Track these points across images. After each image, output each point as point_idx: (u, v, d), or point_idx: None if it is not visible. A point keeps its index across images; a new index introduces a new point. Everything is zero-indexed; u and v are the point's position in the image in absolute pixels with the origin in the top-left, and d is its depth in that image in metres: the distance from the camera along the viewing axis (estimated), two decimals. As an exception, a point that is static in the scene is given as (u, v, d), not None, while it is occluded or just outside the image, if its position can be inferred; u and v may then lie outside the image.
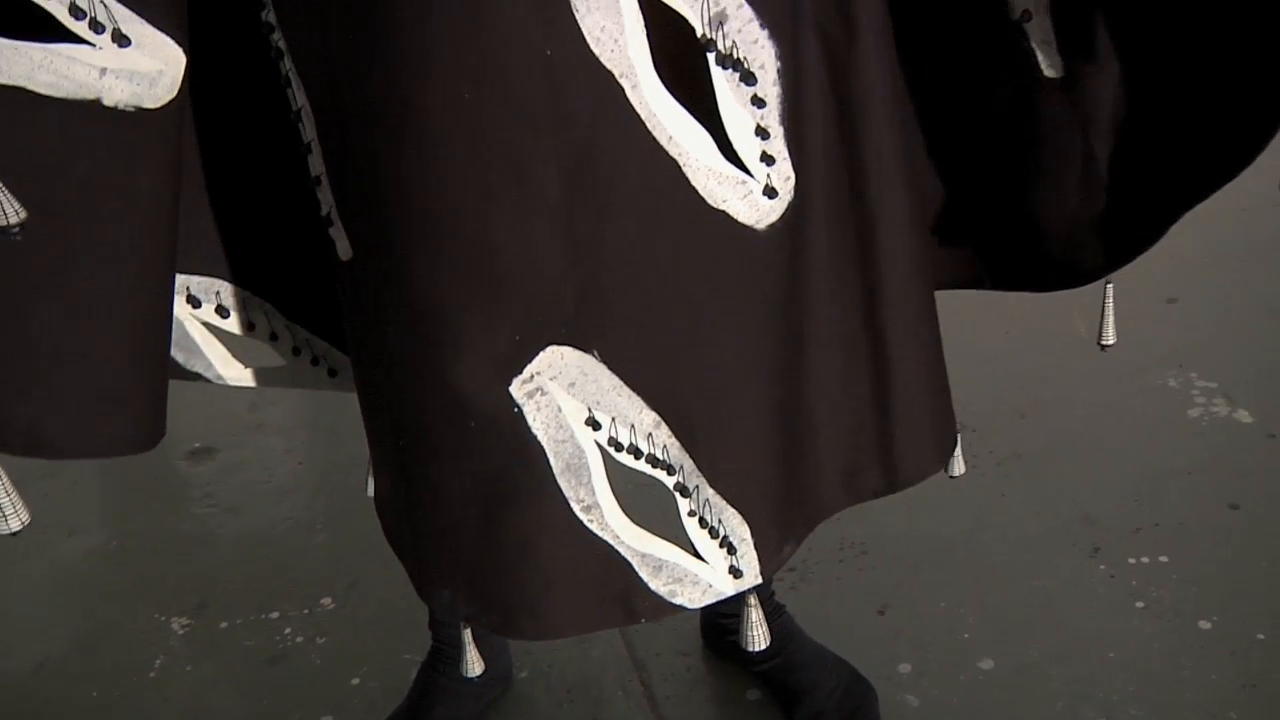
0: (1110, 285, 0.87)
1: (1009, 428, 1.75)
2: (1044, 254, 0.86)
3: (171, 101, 0.72)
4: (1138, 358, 1.86)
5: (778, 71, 0.71)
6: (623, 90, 0.68)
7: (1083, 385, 1.83)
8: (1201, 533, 1.51)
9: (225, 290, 0.87)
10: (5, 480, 0.73)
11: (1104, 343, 0.91)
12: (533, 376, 0.73)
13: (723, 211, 0.72)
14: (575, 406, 0.74)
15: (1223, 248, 2.15)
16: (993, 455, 1.69)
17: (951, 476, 0.91)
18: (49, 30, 0.67)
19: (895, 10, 0.77)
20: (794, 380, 0.80)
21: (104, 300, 0.73)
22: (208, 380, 0.90)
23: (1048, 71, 0.79)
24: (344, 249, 0.77)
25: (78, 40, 0.68)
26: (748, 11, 0.69)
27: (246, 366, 0.91)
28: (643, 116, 0.69)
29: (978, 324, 1.91)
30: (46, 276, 0.71)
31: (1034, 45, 0.78)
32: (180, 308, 0.86)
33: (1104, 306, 0.89)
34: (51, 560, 1.65)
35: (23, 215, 0.68)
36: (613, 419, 0.75)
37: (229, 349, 0.90)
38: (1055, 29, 0.77)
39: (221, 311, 0.87)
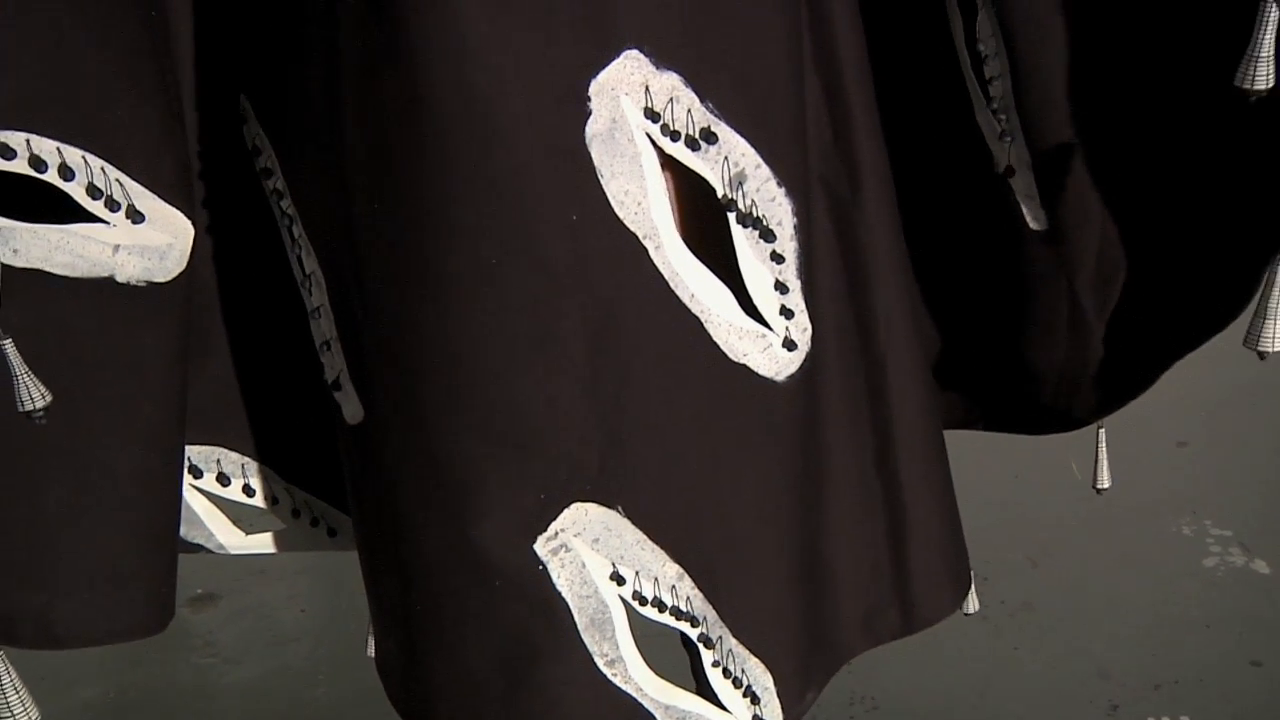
0: (1103, 430, 0.89)
1: (1020, 576, 1.73)
2: (1036, 398, 0.88)
3: (181, 274, 0.73)
4: (1149, 503, 1.85)
5: (794, 227, 0.72)
6: (646, 251, 0.68)
7: (1094, 532, 1.82)
8: (1223, 690, 1.48)
9: (226, 458, 0.87)
10: (13, 677, 0.73)
11: (1099, 486, 0.92)
12: (557, 534, 0.72)
13: (743, 365, 0.73)
14: (599, 562, 0.73)
15: (1233, 388, 2.15)
16: (1004, 605, 1.67)
17: (966, 614, 0.91)
18: (65, 210, 0.69)
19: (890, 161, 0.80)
20: (812, 526, 0.80)
21: (114, 481, 0.73)
22: (209, 550, 0.89)
23: (1033, 224, 0.81)
24: (352, 412, 0.77)
25: (93, 219, 0.69)
26: (765, 171, 0.70)
27: (248, 533, 0.91)
28: (666, 276, 0.69)
29: (986, 468, 1.90)
30: (57, 458, 0.71)
31: (1019, 199, 0.80)
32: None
33: (1098, 450, 0.91)
34: (48, 714, 1.62)
35: (48, 399, 0.69)
36: (636, 573, 0.74)
37: (229, 517, 0.89)
38: (1038, 184, 0.79)
39: (223, 479, 0.87)
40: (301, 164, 0.75)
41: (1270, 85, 0.64)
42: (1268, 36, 0.63)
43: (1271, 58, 0.64)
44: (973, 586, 0.91)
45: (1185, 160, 0.77)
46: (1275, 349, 0.73)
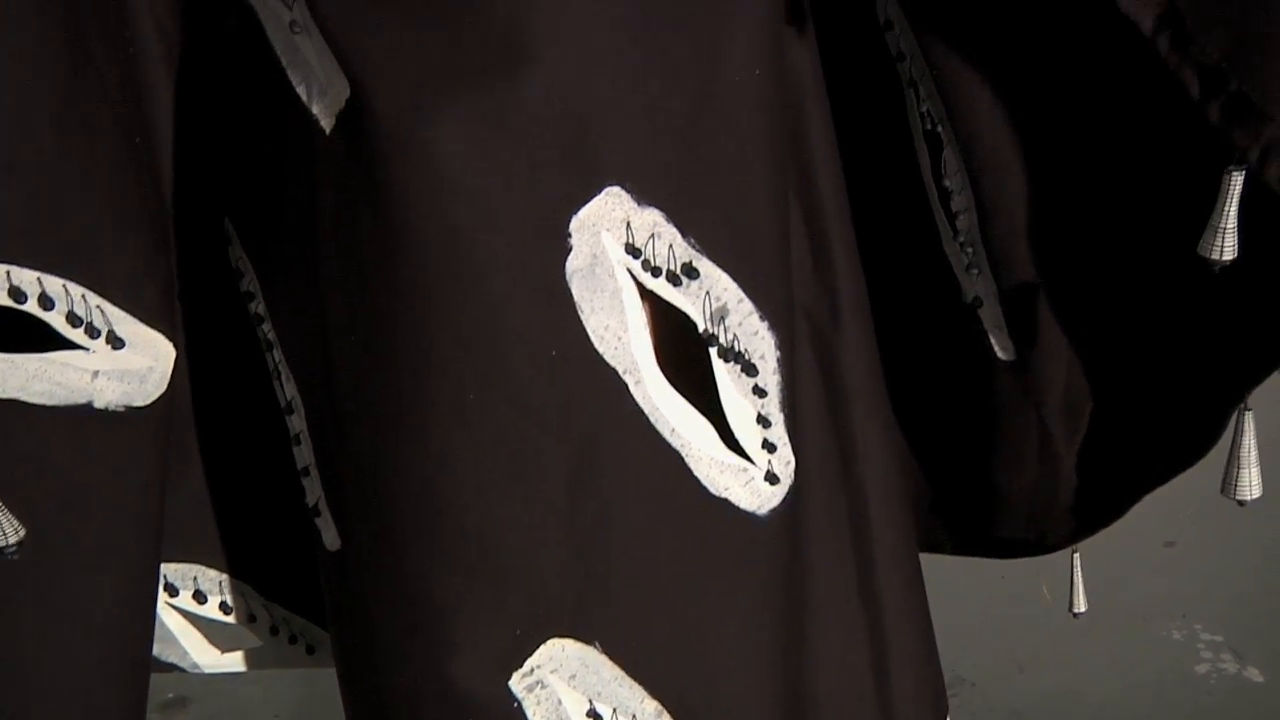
0: (1077, 554, 0.89)
1: (1008, 683, 1.72)
2: (1006, 525, 0.89)
3: (161, 396, 0.72)
4: (1138, 606, 1.83)
5: (778, 360, 0.72)
6: (626, 386, 0.68)
7: (1082, 637, 1.80)
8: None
9: (203, 575, 0.86)
10: None
11: (1075, 611, 0.92)
12: (533, 670, 0.71)
13: (725, 499, 0.72)
14: (576, 699, 0.72)
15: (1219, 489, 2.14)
16: (993, 713, 1.65)
17: None
18: (43, 337, 0.68)
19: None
20: (796, 659, 0.79)
21: (87, 612, 0.72)
22: (183, 670, 0.88)
23: (1001, 354, 0.82)
24: (331, 539, 0.76)
25: (72, 346, 0.68)
26: (748, 305, 0.70)
27: (224, 651, 0.89)
28: (646, 411, 0.69)
29: (973, 570, 1.89)
30: (27, 592, 0.70)
31: (987, 329, 0.81)
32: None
33: (1073, 575, 0.90)
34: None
35: (22, 533, 0.67)
36: (614, 710, 0.73)
37: (205, 635, 0.88)
38: (1004, 316, 0.80)
39: (199, 597, 0.86)
40: (281, 291, 0.75)
41: (1235, 256, 0.65)
42: (1232, 208, 0.64)
43: (1235, 229, 0.64)
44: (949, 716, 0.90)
45: (1150, 302, 0.78)
46: (1252, 496, 0.73)
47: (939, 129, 0.77)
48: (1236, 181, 0.64)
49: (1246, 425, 0.73)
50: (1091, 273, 0.78)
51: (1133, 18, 0.62)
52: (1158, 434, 0.81)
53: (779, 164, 0.71)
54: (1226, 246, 0.64)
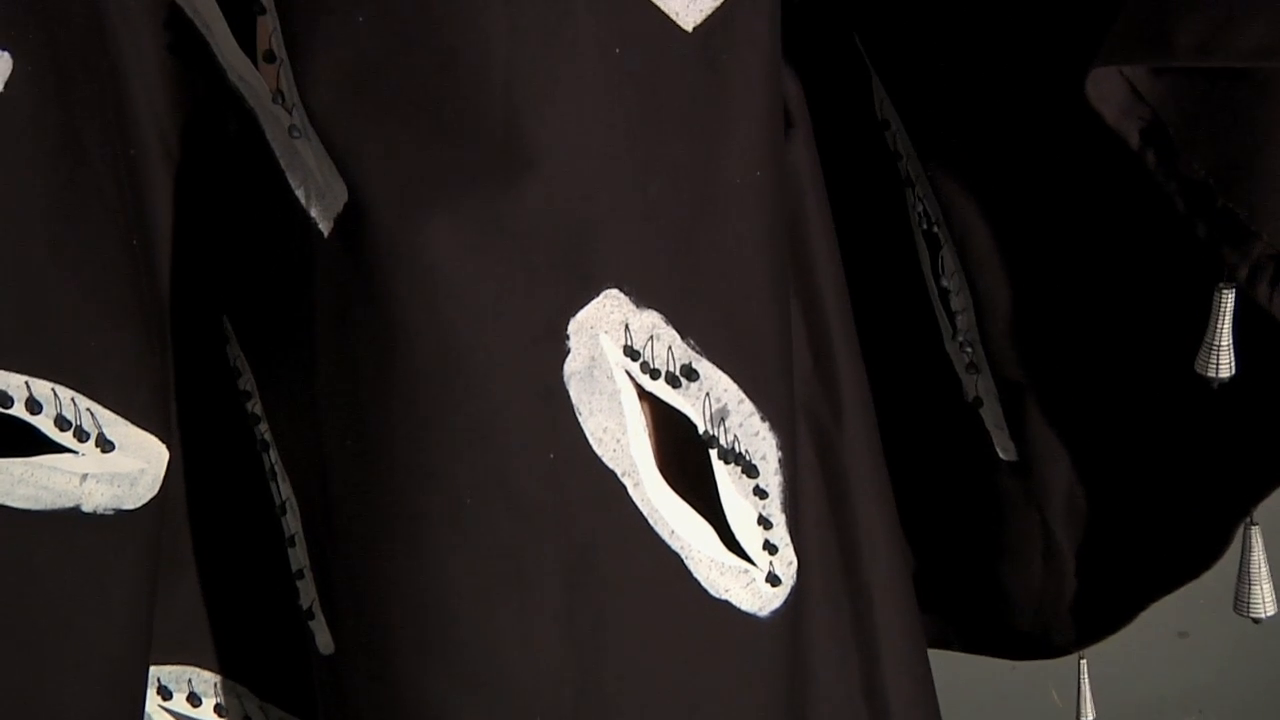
0: (1084, 660, 0.87)
1: (1023, 778, 1.68)
2: (1013, 624, 0.87)
3: (153, 499, 0.71)
4: (1151, 699, 1.80)
5: (779, 461, 0.71)
6: (625, 489, 0.67)
7: (1097, 730, 1.77)
8: None
9: (198, 677, 0.84)
10: None
11: (1084, 719, 0.90)
12: None
13: (726, 601, 0.71)
14: None
15: (1235, 574, 2.11)
16: (1006, 810, 1.62)
17: None
18: (29, 440, 0.67)
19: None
20: None
21: (72, 716, 0.70)
22: None
23: (1002, 454, 0.82)
24: (325, 643, 0.74)
25: (60, 449, 0.67)
26: (749, 406, 0.69)
27: None
28: (645, 514, 0.68)
29: (980, 672, 1.86)
30: (10, 697, 0.68)
31: (988, 428, 0.81)
32: (150, 701, 0.83)
33: (1079, 682, 0.89)
34: None
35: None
36: None
37: None
38: (1005, 415, 0.80)
39: (194, 700, 0.84)
40: (278, 390, 0.74)
41: (1233, 373, 0.64)
42: (1225, 325, 0.63)
43: (1231, 346, 0.63)
44: None
45: (1150, 410, 0.77)
46: (1267, 614, 0.72)
47: (936, 229, 0.77)
48: (1228, 299, 0.63)
49: (1254, 541, 0.72)
50: (1091, 378, 0.78)
51: (1119, 132, 0.62)
52: (1159, 544, 0.80)
53: (780, 264, 0.71)
54: (1223, 364, 0.64)
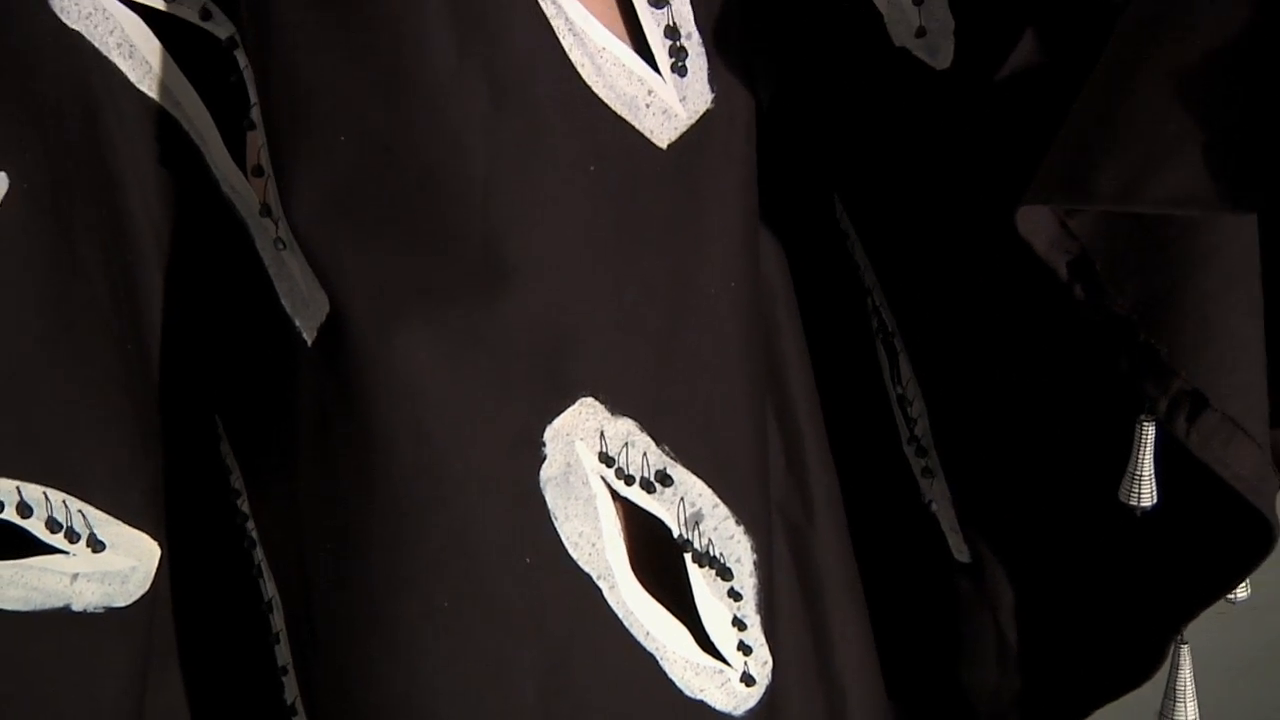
0: None
1: None
2: None
3: (143, 596, 0.73)
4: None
5: (754, 563, 0.72)
6: (601, 592, 0.68)
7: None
8: None
9: None
10: None
11: None
12: None
13: (701, 701, 0.72)
14: None
15: (1208, 658, 2.09)
16: None
17: None
18: (20, 543, 0.68)
19: None
20: None
21: None
22: None
23: (958, 556, 0.83)
24: None
25: (51, 550, 0.69)
26: (723, 510, 0.70)
27: None
28: (620, 615, 0.69)
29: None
30: None
31: (944, 531, 0.83)
32: None
33: None
34: None
35: None
36: None
37: None
38: (959, 519, 0.82)
39: None
40: (264, 491, 0.76)
41: (1154, 503, 0.66)
42: (1146, 456, 0.65)
43: (1153, 476, 0.65)
44: None
45: (1086, 524, 0.78)
46: None
47: (893, 338, 0.79)
48: (1148, 431, 0.65)
49: (1183, 660, 0.73)
50: (1033, 488, 0.79)
51: (1049, 263, 0.64)
52: (1097, 654, 0.81)
53: (756, 372, 0.73)
54: (1144, 493, 0.66)
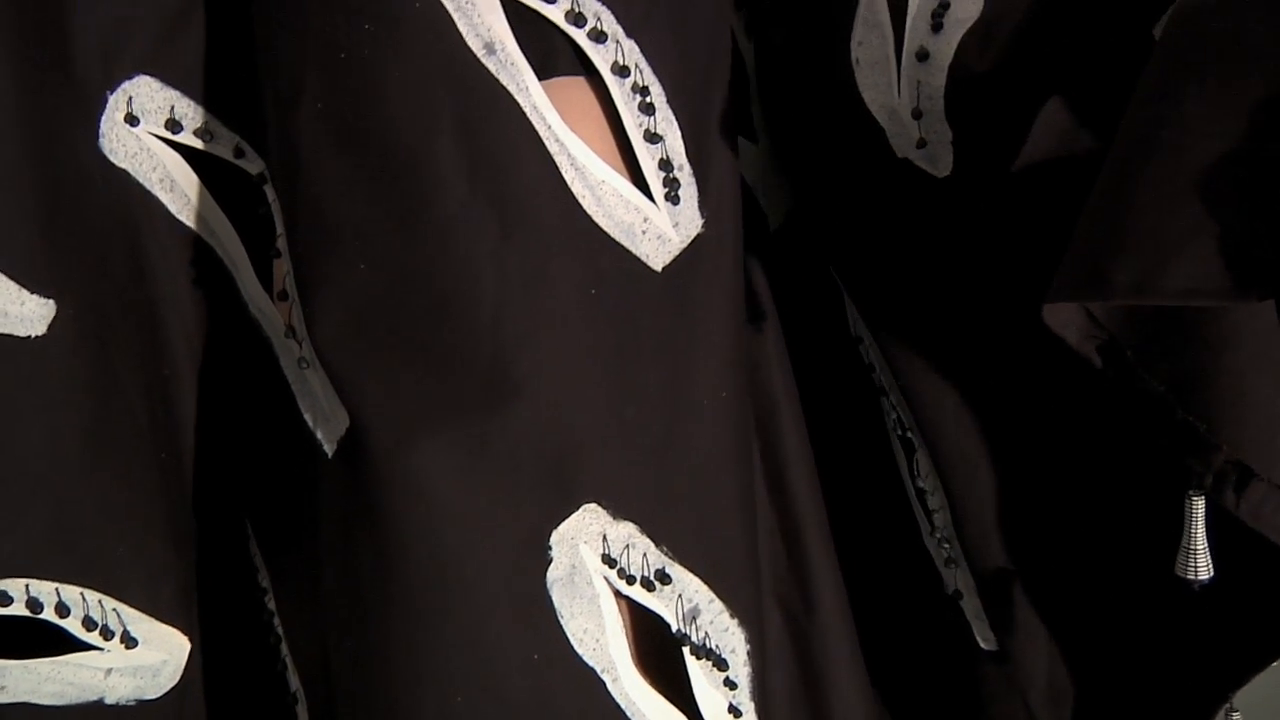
0: None
1: None
2: None
3: (174, 688, 0.77)
4: None
5: (747, 654, 0.76)
6: (604, 684, 0.72)
7: None
8: None
9: None
10: None
11: None
12: None
13: None
14: None
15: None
16: None
17: None
18: (56, 640, 0.73)
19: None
20: None
21: None
22: None
23: (983, 644, 0.85)
24: None
25: (86, 647, 0.74)
26: (718, 605, 0.75)
27: None
28: (623, 706, 0.73)
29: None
30: None
31: (969, 619, 0.85)
32: None
33: None
34: None
35: None
36: None
37: None
38: (984, 607, 0.84)
39: None
40: (288, 590, 0.80)
41: (1211, 575, 0.67)
42: (1199, 530, 0.67)
43: (1208, 549, 0.67)
44: None
45: (1129, 599, 0.81)
46: None
47: (910, 434, 0.83)
48: (1198, 505, 0.67)
49: None
50: (1068, 570, 0.81)
51: (1082, 354, 0.67)
52: None
53: (746, 474, 0.77)
54: (1200, 567, 0.67)
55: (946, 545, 0.84)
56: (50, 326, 0.70)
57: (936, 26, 0.73)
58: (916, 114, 0.75)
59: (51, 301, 0.70)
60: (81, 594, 0.73)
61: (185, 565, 0.80)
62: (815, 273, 0.87)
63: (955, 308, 0.79)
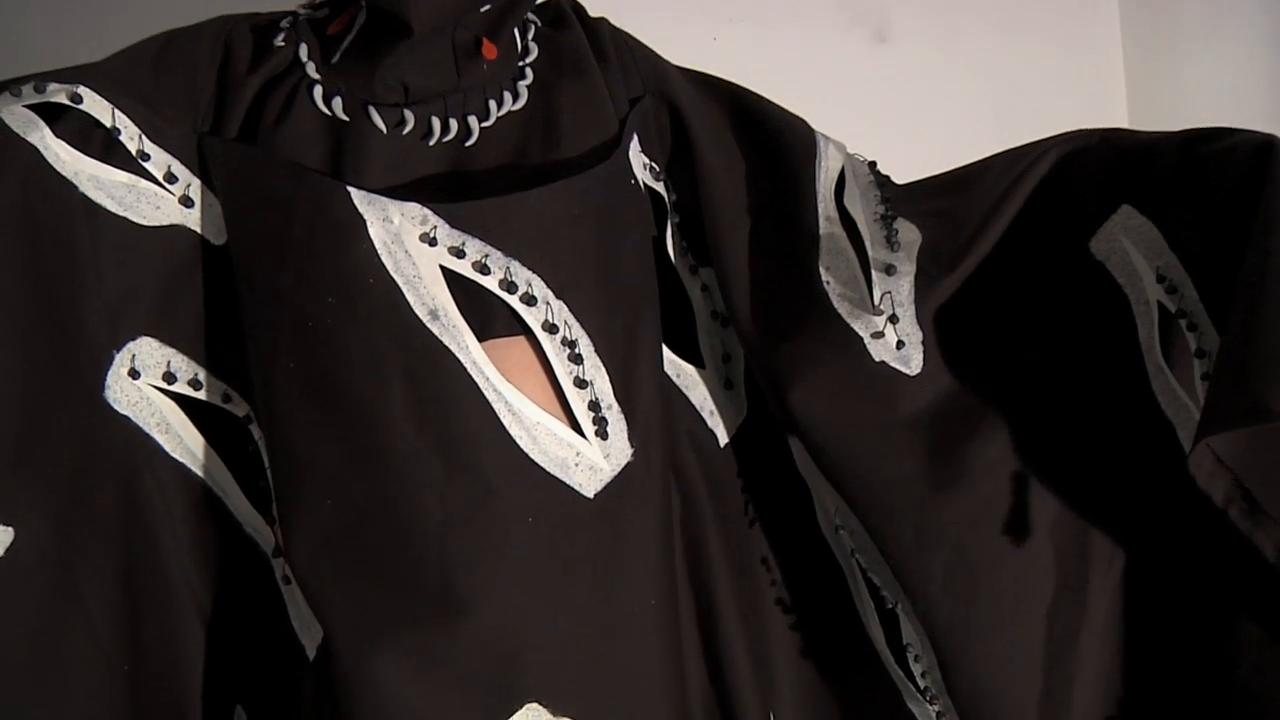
0: None
1: None
2: None
3: None
4: None
5: None
6: None
7: None
8: None
9: None
10: None
11: None
12: None
13: None
14: None
15: None
16: None
17: None
18: None
19: None
20: None
21: None
22: None
23: None
24: None
25: None
26: None
27: None
28: None
29: None
30: None
31: None
32: None
33: None
34: None
35: None
36: None
37: None
38: None
39: None
40: None
41: None
42: None
43: None
44: None
45: None
46: None
47: (897, 605, 0.89)
48: None
49: None
50: None
51: (1205, 490, 0.76)
52: None
53: (673, 671, 0.86)
54: None
55: (936, 704, 0.90)
56: (8, 550, 0.81)
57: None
58: (893, 319, 0.85)
59: (10, 529, 0.81)
60: None
61: None
62: (779, 474, 0.95)
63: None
